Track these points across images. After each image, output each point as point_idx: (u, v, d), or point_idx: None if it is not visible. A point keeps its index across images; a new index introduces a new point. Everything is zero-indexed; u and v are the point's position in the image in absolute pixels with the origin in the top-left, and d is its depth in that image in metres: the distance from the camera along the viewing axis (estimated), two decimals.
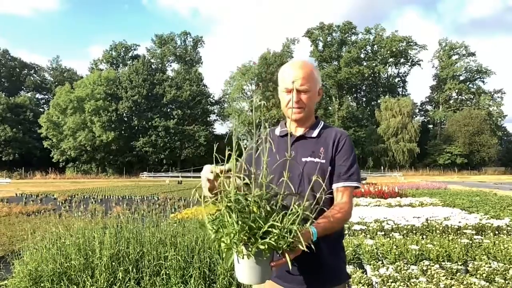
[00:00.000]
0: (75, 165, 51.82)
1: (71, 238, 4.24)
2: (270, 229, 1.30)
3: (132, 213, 5.99)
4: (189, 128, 52.86)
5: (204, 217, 1.43)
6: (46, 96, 63.67)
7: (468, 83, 60.60)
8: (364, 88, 65.79)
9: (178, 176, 40.09)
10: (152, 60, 58.56)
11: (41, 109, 57.60)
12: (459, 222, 6.90)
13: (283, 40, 63.96)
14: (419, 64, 63.55)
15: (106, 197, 16.43)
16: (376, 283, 3.94)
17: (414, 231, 6.48)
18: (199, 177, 1.55)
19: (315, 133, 1.77)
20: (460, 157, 53.10)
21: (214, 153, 1.46)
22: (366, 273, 4.42)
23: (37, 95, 63.56)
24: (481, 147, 52.68)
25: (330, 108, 60.43)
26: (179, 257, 3.94)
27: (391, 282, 3.83)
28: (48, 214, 9.49)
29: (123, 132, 52.65)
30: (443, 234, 6.26)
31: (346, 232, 6.51)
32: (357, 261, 4.90)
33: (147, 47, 64.56)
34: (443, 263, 4.59)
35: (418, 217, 7.50)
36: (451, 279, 3.86)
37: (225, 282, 3.89)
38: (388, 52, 60.67)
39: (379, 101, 60.24)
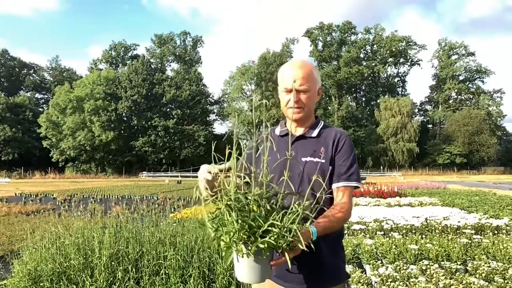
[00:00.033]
0: (75, 164, 51.80)
1: (70, 237, 4.24)
2: (270, 228, 1.30)
3: (132, 212, 5.99)
4: (189, 127, 52.84)
5: (203, 217, 1.43)
6: (46, 96, 63.66)
7: (467, 83, 60.62)
8: (363, 88, 65.79)
9: (177, 176, 40.04)
10: (152, 60, 58.52)
11: (40, 109, 57.57)
12: (459, 221, 6.91)
13: (282, 40, 63.96)
14: (419, 64, 63.64)
15: (106, 197, 16.42)
16: (376, 282, 3.94)
17: (414, 231, 6.49)
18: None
19: (315, 133, 1.77)
20: (459, 156, 53.13)
21: (213, 152, 1.46)
22: (365, 273, 4.42)
23: (37, 95, 63.60)
24: (480, 147, 52.72)
25: (329, 108, 60.43)
26: (178, 257, 3.94)
27: (390, 282, 3.83)
28: (47, 213, 9.48)
29: (122, 131, 52.61)
30: (443, 233, 6.27)
31: (346, 231, 6.51)
32: (356, 261, 4.91)
33: (146, 47, 64.56)
34: (442, 262, 4.60)
35: (418, 217, 7.51)
36: (450, 278, 3.86)
37: (224, 282, 3.89)
38: (388, 52, 60.67)
39: (378, 101, 60.24)
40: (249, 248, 1.30)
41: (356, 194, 13.76)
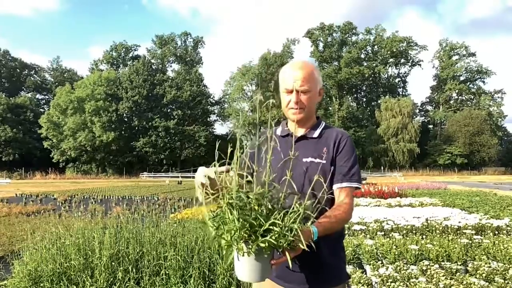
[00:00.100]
0: (75, 165, 51.87)
1: (70, 238, 4.24)
2: (271, 227, 1.30)
3: (132, 213, 5.98)
4: (189, 128, 52.88)
5: (204, 217, 1.43)
6: (47, 97, 63.75)
7: (468, 83, 60.62)
8: (364, 88, 65.81)
9: (178, 177, 40.08)
10: (153, 61, 58.60)
11: (41, 110, 57.65)
12: (459, 222, 6.90)
13: (283, 40, 64.06)
14: (420, 65, 63.65)
15: (106, 197, 16.43)
16: (376, 283, 3.94)
17: (414, 231, 6.48)
18: None
19: (316, 134, 1.77)
20: (460, 157, 53.11)
21: (216, 150, 1.45)
22: (365, 273, 4.42)
23: (38, 96, 63.65)
24: (481, 147, 52.70)
25: (330, 108, 60.46)
26: (178, 257, 3.94)
27: (391, 282, 3.83)
28: (48, 214, 9.47)
29: (123, 132, 52.67)
30: (443, 234, 6.26)
31: (346, 232, 6.51)
32: (356, 261, 4.90)
33: (147, 47, 64.72)
34: (442, 263, 4.59)
35: (418, 217, 7.50)
36: (451, 279, 3.86)
37: (224, 282, 3.89)
38: (389, 52, 60.68)
39: (379, 101, 60.25)
40: (250, 247, 1.30)
41: (356, 195, 13.75)
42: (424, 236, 6.05)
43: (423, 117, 65.01)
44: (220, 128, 66.84)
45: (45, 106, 60.70)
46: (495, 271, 4.10)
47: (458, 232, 6.39)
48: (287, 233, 1.31)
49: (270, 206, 1.36)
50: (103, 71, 56.41)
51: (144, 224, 4.70)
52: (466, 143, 52.56)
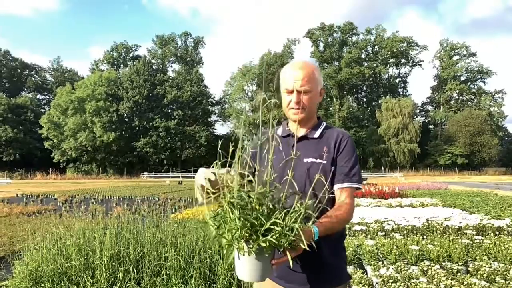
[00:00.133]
0: (76, 165, 51.90)
1: (71, 238, 4.24)
2: (272, 226, 1.29)
3: (133, 213, 5.99)
4: (190, 128, 52.90)
5: (204, 216, 1.43)
6: (47, 97, 63.81)
7: (469, 83, 60.60)
8: (365, 88, 65.80)
9: (178, 177, 40.10)
10: (153, 61, 58.65)
11: (42, 110, 57.73)
12: (460, 222, 6.90)
13: (283, 40, 64.08)
14: (420, 65, 63.64)
15: (107, 198, 16.43)
16: (377, 283, 3.94)
17: (415, 232, 6.47)
18: None
19: (317, 134, 1.77)
20: (460, 157, 53.09)
21: (219, 149, 1.45)
22: (366, 274, 4.41)
23: (38, 96, 63.70)
24: (481, 148, 52.66)
25: (331, 108, 60.48)
26: (179, 258, 3.94)
27: (392, 283, 3.83)
28: (48, 214, 9.50)
29: (123, 132, 52.70)
30: (444, 234, 6.26)
31: (347, 232, 6.50)
32: (357, 262, 4.90)
33: (148, 47, 64.66)
34: (443, 263, 4.59)
35: (419, 218, 7.49)
36: (452, 279, 3.85)
37: (225, 283, 3.89)
38: (389, 52, 60.66)
39: (379, 101, 60.25)
40: (251, 246, 1.30)
41: (357, 195, 13.75)
42: (425, 237, 6.05)
43: (424, 117, 65.07)
44: (221, 128, 66.97)
45: (46, 106, 60.78)
46: (496, 271, 4.09)
47: (459, 232, 6.38)
48: (288, 233, 1.30)
49: (271, 206, 1.35)
50: (103, 71, 56.43)
51: (144, 224, 4.70)
52: (466, 143, 52.53)
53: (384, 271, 4.11)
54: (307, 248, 1.32)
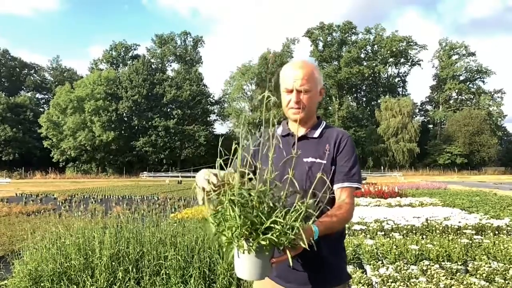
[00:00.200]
0: (75, 165, 51.83)
1: (71, 238, 4.24)
2: (272, 225, 1.29)
3: (132, 213, 5.98)
4: (189, 128, 52.86)
5: (205, 214, 1.43)
6: (46, 96, 63.72)
7: (468, 83, 60.61)
8: (364, 88, 65.82)
9: (178, 176, 40.10)
10: (152, 60, 58.55)
11: (41, 109, 57.62)
12: (459, 222, 6.90)
13: (283, 40, 63.95)
14: (419, 64, 63.66)
15: (106, 197, 16.42)
16: (376, 283, 3.94)
17: (414, 231, 6.48)
18: None
19: (316, 134, 1.77)
20: (460, 157, 53.11)
21: (219, 147, 1.45)
22: (366, 273, 4.42)
23: (37, 95, 63.62)
24: (481, 147, 52.69)
25: (330, 108, 60.46)
26: (179, 257, 3.94)
27: (391, 282, 3.83)
28: (48, 214, 9.47)
29: (123, 132, 52.65)
30: (443, 234, 6.26)
31: (346, 232, 6.50)
32: (357, 261, 4.90)
33: (147, 47, 64.69)
34: (443, 263, 4.59)
35: (418, 217, 7.50)
36: (451, 279, 3.86)
37: (225, 282, 3.89)
38: (388, 52, 60.66)
39: (379, 101, 60.26)
40: (251, 244, 1.29)
41: (356, 195, 13.75)
42: (424, 236, 6.05)
43: (423, 117, 65.05)
44: (220, 128, 66.93)
45: (45, 105, 60.68)
46: (495, 271, 4.10)
47: (458, 232, 6.39)
48: (288, 231, 1.30)
49: (271, 204, 1.35)
50: (102, 70, 56.36)
51: (144, 223, 4.70)
52: (466, 143, 52.55)
53: (383, 271, 4.12)
54: (307, 248, 1.32)
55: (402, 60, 62.80)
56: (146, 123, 52.36)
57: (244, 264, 1.35)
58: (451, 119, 56.51)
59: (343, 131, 1.81)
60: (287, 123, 1.85)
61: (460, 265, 4.50)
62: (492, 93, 59.96)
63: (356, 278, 3.97)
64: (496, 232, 6.43)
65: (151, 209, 7.03)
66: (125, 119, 54.37)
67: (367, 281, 3.93)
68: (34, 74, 64.35)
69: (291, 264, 1.33)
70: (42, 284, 3.78)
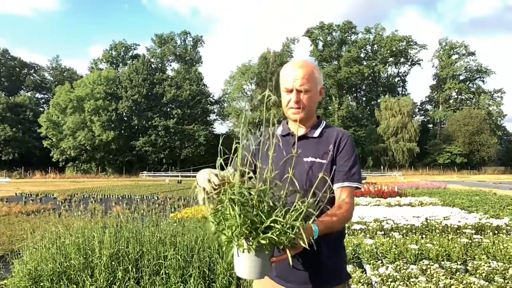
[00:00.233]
0: (75, 164, 51.80)
1: (70, 237, 4.24)
2: (272, 224, 1.29)
3: (132, 212, 5.98)
4: (189, 127, 52.85)
5: (205, 213, 1.43)
6: (46, 96, 63.67)
7: (468, 82, 60.61)
8: (364, 87, 65.81)
9: (177, 176, 40.08)
10: (152, 60, 58.52)
11: (41, 109, 57.59)
12: (459, 221, 6.91)
13: (283, 39, 63.91)
14: (419, 64, 63.64)
15: (106, 197, 16.42)
16: (376, 282, 3.94)
17: (414, 231, 6.48)
18: None
19: (316, 133, 1.77)
20: (459, 156, 53.12)
21: (220, 146, 1.45)
22: (365, 273, 4.42)
23: (37, 95, 63.58)
24: (480, 147, 52.70)
25: (330, 107, 60.44)
26: (178, 257, 3.94)
27: (391, 282, 3.83)
28: (47, 213, 9.46)
29: (123, 131, 52.63)
30: (443, 233, 6.26)
31: (346, 231, 6.51)
32: (356, 261, 4.90)
33: (147, 46, 64.58)
34: (442, 262, 4.60)
35: (418, 217, 7.51)
36: (451, 278, 3.86)
37: (224, 282, 3.89)
38: (388, 51, 60.65)
39: (379, 100, 60.25)
40: (251, 243, 1.29)
41: (356, 194, 13.75)
42: (424, 236, 6.05)
43: (423, 117, 65.04)
44: (220, 127, 66.81)
45: (45, 105, 60.62)
46: (495, 270, 4.10)
47: (457, 231, 6.39)
48: (288, 231, 1.30)
49: (271, 203, 1.35)
50: (102, 70, 56.33)
51: (144, 223, 4.70)
52: (465, 142, 52.56)
53: (383, 270, 4.12)
54: (307, 247, 1.32)
55: (402, 59, 62.79)
56: (146, 122, 52.35)
57: (244, 263, 1.35)
58: (451, 119, 56.52)
59: (343, 130, 1.81)
60: (287, 123, 1.85)
61: (460, 264, 4.50)
62: (492, 93, 59.98)
63: (355, 278, 3.97)
64: (496, 232, 6.43)
65: (150, 209, 7.03)
66: (125, 118, 54.35)
67: (366, 281, 3.93)
68: (34, 74, 64.31)
69: (291, 263, 1.33)
70: (41, 284, 3.77)
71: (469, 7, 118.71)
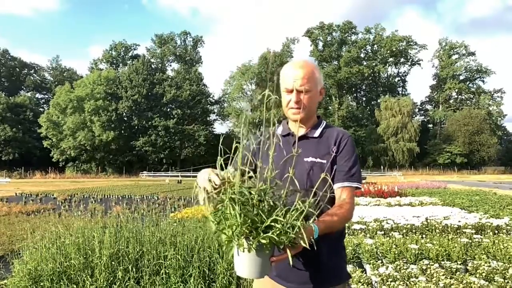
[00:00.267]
0: (75, 164, 51.79)
1: (70, 237, 4.24)
2: (272, 223, 1.29)
3: (132, 212, 5.99)
4: (189, 127, 52.85)
5: (205, 212, 1.43)
6: (46, 96, 63.66)
7: (468, 82, 60.61)
8: (364, 87, 65.80)
9: (177, 176, 40.07)
10: (152, 60, 58.52)
11: (41, 109, 57.57)
12: (459, 221, 6.91)
13: (283, 40, 63.90)
14: (419, 64, 63.62)
15: (106, 197, 16.42)
16: (376, 282, 3.94)
17: (414, 231, 6.48)
18: None
19: (317, 133, 1.77)
20: (459, 156, 53.12)
21: (220, 145, 1.45)
22: (365, 272, 4.42)
23: (37, 95, 63.54)
24: (480, 147, 52.70)
25: (330, 107, 60.45)
26: (178, 257, 3.94)
27: (391, 281, 3.83)
28: (47, 213, 9.46)
29: (123, 131, 52.63)
30: (443, 233, 6.27)
31: (346, 231, 6.51)
32: (356, 260, 4.90)
33: (147, 46, 64.68)
34: (442, 262, 4.60)
35: (418, 217, 7.51)
36: (451, 278, 3.86)
37: (224, 281, 3.89)
38: (388, 51, 60.64)
39: (379, 100, 60.24)
40: (251, 242, 1.29)
41: (356, 194, 13.72)
42: (424, 236, 6.05)
43: (423, 117, 65.04)
44: (220, 127, 66.78)
45: (45, 105, 60.61)
46: (495, 270, 4.10)
47: (458, 231, 6.39)
48: (288, 230, 1.30)
49: (272, 203, 1.35)
50: (102, 70, 56.33)
51: (144, 223, 4.70)
52: (465, 142, 52.57)
53: (383, 270, 4.12)
54: (307, 247, 1.32)
55: (402, 59, 62.78)
56: (146, 122, 52.35)
57: (244, 262, 1.35)
58: (451, 119, 56.52)
59: (344, 130, 1.81)
60: (287, 123, 1.85)
61: (460, 264, 4.50)
62: (492, 93, 59.97)
63: (355, 277, 3.97)
64: (496, 231, 6.43)
65: (150, 209, 7.04)
66: (125, 119, 54.35)
67: (366, 280, 3.93)
68: (34, 74, 64.30)
69: (291, 263, 1.33)
70: (41, 284, 3.77)
71: (469, 7, 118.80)
